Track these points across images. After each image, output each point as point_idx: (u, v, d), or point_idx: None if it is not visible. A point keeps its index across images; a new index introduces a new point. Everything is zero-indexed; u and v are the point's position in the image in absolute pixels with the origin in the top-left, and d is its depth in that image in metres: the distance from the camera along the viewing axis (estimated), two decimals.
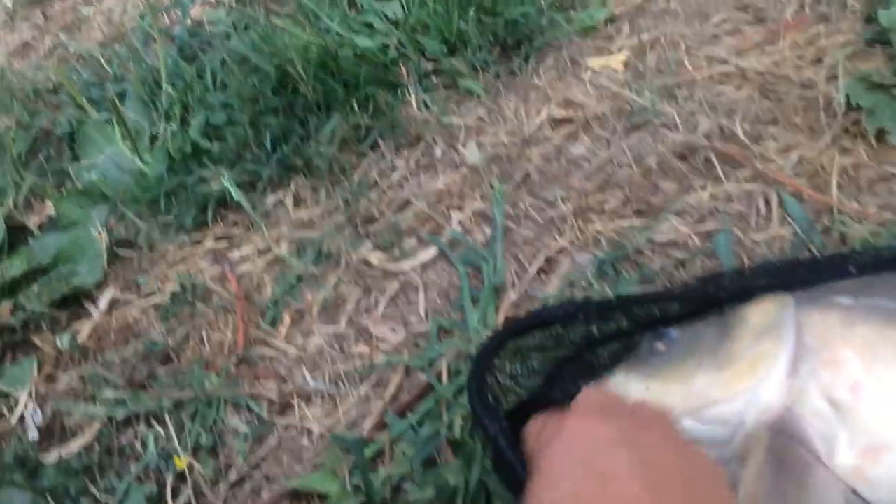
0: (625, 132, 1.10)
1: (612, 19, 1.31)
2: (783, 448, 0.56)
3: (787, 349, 0.59)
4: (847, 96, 1.02)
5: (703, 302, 0.69)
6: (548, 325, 0.71)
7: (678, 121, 1.08)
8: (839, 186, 0.96)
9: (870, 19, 1.14)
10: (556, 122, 1.15)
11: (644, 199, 1.00)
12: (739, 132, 1.04)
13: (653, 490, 0.45)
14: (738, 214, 0.96)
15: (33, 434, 0.90)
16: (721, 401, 0.59)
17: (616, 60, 1.22)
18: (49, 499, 0.83)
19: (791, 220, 0.94)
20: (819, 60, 1.12)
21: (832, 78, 1.07)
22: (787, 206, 0.95)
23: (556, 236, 1.00)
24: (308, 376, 0.92)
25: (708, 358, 0.62)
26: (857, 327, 0.60)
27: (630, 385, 0.63)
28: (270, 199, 1.15)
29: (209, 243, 1.11)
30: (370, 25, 1.34)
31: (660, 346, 0.65)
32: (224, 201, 1.15)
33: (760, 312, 0.63)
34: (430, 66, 1.28)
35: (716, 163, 1.02)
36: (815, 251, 0.90)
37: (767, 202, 0.97)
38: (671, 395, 0.61)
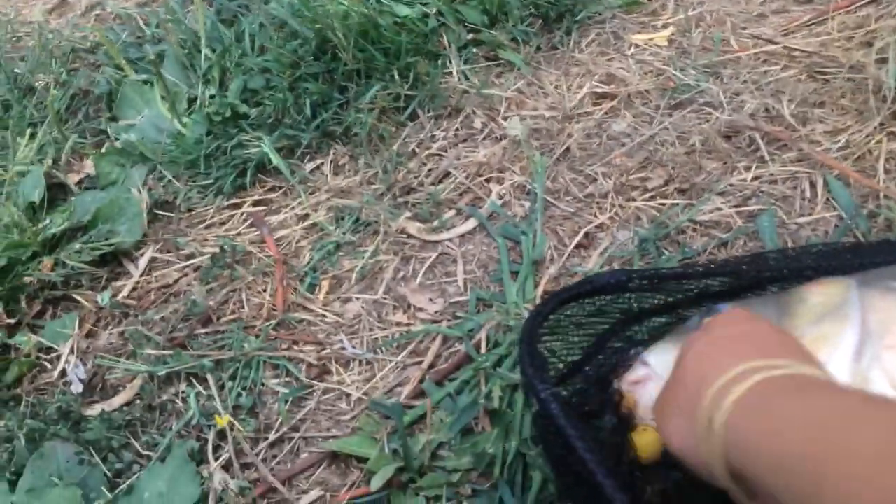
0: (668, 110, 1.09)
1: None
2: None
3: (853, 332, 0.58)
4: None
5: (752, 279, 0.69)
6: (597, 294, 0.70)
7: (723, 100, 1.07)
8: (886, 171, 0.95)
9: None
10: (598, 98, 1.14)
11: (687, 178, 1.00)
12: (786, 113, 1.03)
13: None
14: (783, 196, 0.96)
15: (77, 387, 0.92)
16: None
17: (660, 37, 1.21)
18: (92, 451, 0.84)
19: (836, 204, 0.93)
20: (869, 43, 1.10)
21: (882, 61, 1.05)
22: (832, 189, 0.94)
23: (597, 212, 1.00)
24: (346, 342, 0.93)
25: None
26: None
27: (665, 351, 0.64)
28: (309, 165, 1.15)
29: (248, 207, 1.12)
30: None
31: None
32: (263, 166, 1.15)
33: (821, 293, 0.62)
34: (470, 37, 1.27)
35: (761, 144, 1.01)
36: (860, 236, 0.89)
37: (813, 185, 0.96)
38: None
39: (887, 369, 0.56)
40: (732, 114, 1.05)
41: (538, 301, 0.91)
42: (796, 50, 1.12)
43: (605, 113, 1.12)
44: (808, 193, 0.95)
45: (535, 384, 0.60)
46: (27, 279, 1.04)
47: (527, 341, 0.64)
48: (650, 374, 0.65)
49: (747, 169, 0.99)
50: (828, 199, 0.94)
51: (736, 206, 0.95)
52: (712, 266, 0.70)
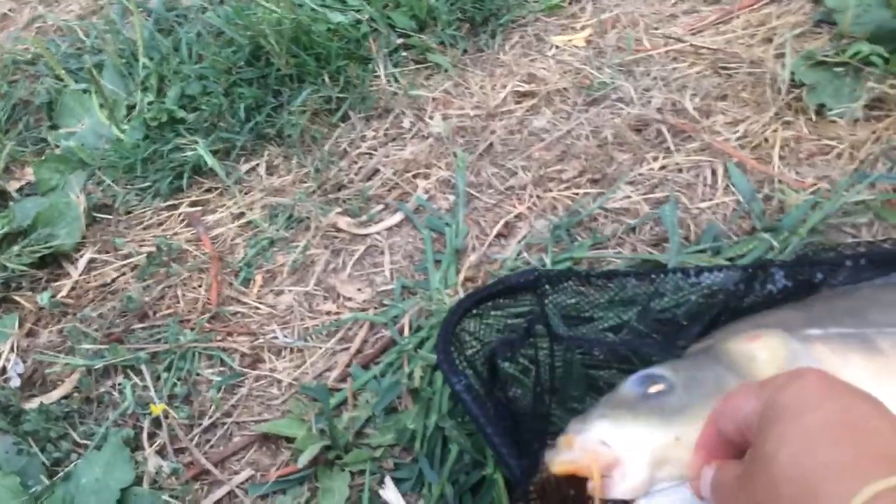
0: (584, 106, 1.16)
1: None
2: None
3: None
4: (792, 73, 1.08)
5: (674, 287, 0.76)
6: (510, 293, 0.76)
7: (634, 96, 1.14)
8: (781, 158, 1.02)
9: (818, 1, 1.20)
10: (520, 96, 1.20)
11: (599, 169, 1.06)
12: (689, 107, 1.10)
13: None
14: (687, 184, 1.02)
15: (15, 382, 0.95)
16: None
17: (579, 38, 1.27)
18: (31, 442, 0.88)
19: (735, 190, 1.00)
20: (769, 40, 1.18)
21: (780, 56, 1.13)
22: (732, 176, 1.01)
23: (516, 203, 1.05)
24: (278, 331, 0.97)
25: None
26: (850, 357, 0.59)
27: (632, 433, 0.56)
28: (244, 166, 1.20)
29: (185, 208, 1.16)
30: (343, 1, 1.38)
31: (656, 387, 0.61)
32: (199, 168, 1.19)
33: (765, 348, 0.61)
34: (400, 41, 1.32)
35: (667, 136, 1.08)
36: (755, 219, 0.96)
37: (714, 172, 1.03)
38: None
39: None
40: (642, 108, 1.12)
41: (459, 287, 0.96)
42: (703, 48, 1.20)
43: (527, 110, 1.18)
44: (709, 180, 1.02)
45: (451, 378, 0.66)
46: None
47: (442, 338, 0.70)
48: (619, 459, 0.56)
49: (655, 159, 1.06)
50: (727, 186, 1.01)
51: (644, 195, 1.02)
52: (616, 270, 0.77)
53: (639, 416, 0.57)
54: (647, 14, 1.28)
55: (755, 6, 1.26)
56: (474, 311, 0.75)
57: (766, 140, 1.04)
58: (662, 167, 1.04)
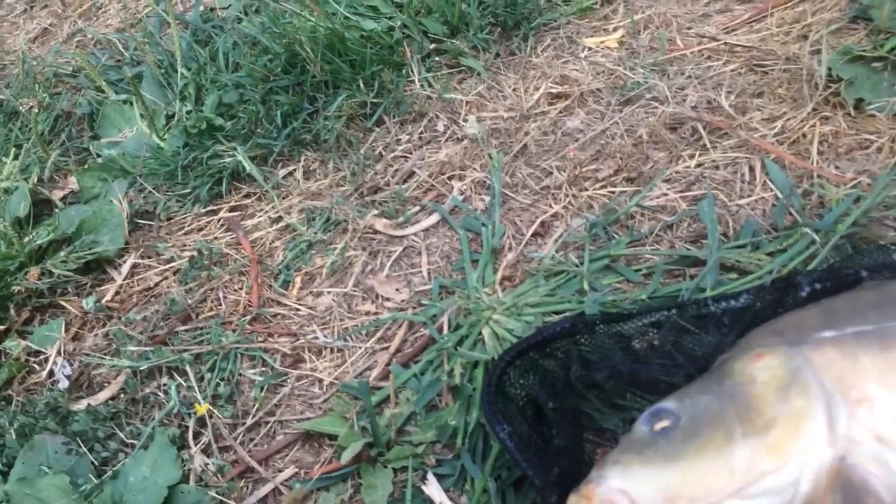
0: (618, 106, 1.16)
1: (608, 1, 1.36)
2: None
3: (820, 399, 0.57)
4: (829, 69, 1.08)
5: (697, 314, 0.76)
6: (550, 343, 0.76)
7: (668, 94, 1.14)
8: (819, 153, 1.01)
9: None
10: (553, 98, 1.21)
11: (635, 168, 1.06)
12: (725, 104, 1.10)
13: None
14: (724, 181, 1.02)
15: (63, 384, 0.97)
16: (771, 471, 0.55)
17: (611, 39, 1.28)
18: (79, 442, 0.89)
19: (773, 186, 0.99)
20: (804, 37, 1.17)
21: (816, 52, 1.12)
22: (769, 172, 1.01)
23: (552, 203, 1.06)
24: (318, 332, 0.98)
25: (737, 426, 0.58)
26: (859, 357, 0.59)
27: (643, 476, 0.58)
28: (281, 171, 1.21)
29: (224, 213, 1.18)
30: (375, 8, 1.40)
31: (661, 423, 0.62)
32: (237, 174, 1.21)
33: (765, 368, 0.61)
34: (433, 47, 1.33)
35: (703, 133, 1.07)
36: (795, 214, 0.95)
37: (751, 169, 1.02)
38: (710, 476, 0.56)
39: (868, 425, 0.55)
40: (677, 107, 1.12)
41: (497, 285, 0.97)
42: (737, 46, 1.19)
43: (560, 112, 1.18)
44: (747, 177, 1.01)
45: (495, 427, 0.69)
46: (15, 288, 1.09)
47: (486, 389, 0.72)
48: None
49: (691, 157, 1.05)
50: (765, 182, 1.00)
51: (680, 192, 1.02)
52: (654, 305, 0.78)
53: (647, 459, 0.59)
54: (679, 14, 1.28)
55: (789, 4, 1.25)
56: (516, 363, 0.76)
57: (804, 136, 1.03)
58: (699, 164, 1.04)
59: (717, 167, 1.03)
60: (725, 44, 1.20)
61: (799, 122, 1.05)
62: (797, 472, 0.55)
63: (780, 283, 0.77)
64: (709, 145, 1.06)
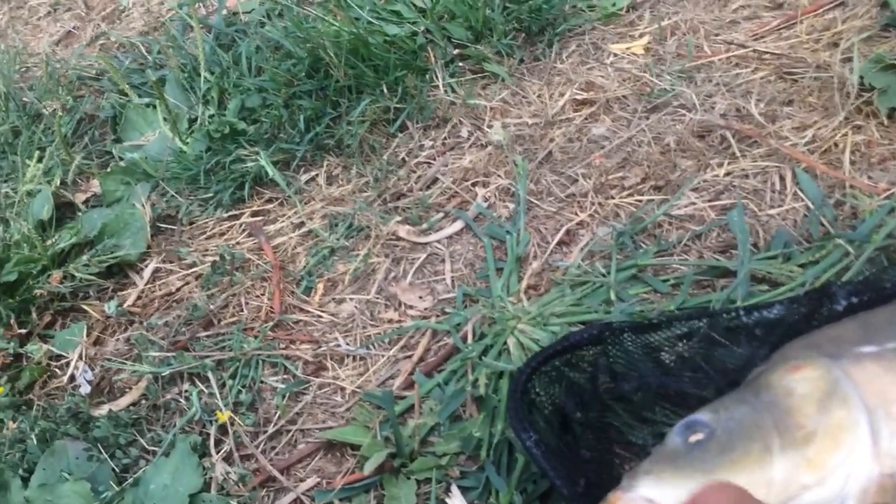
0: (644, 113, 1.14)
1: (633, 6, 1.34)
2: None
3: (862, 412, 0.56)
4: (861, 77, 1.06)
5: (729, 326, 0.75)
6: (576, 349, 0.75)
7: (696, 102, 1.12)
8: (851, 163, 0.99)
9: (885, 5, 1.17)
10: (578, 104, 1.20)
11: (662, 176, 1.04)
12: (755, 112, 1.08)
13: None
14: (754, 190, 1.00)
15: (85, 389, 0.97)
16: (812, 485, 0.54)
17: (637, 45, 1.26)
18: (100, 448, 0.89)
19: (804, 196, 0.97)
20: (835, 44, 1.15)
21: (847, 60, 1.10)
22: (800, 181, 0.99)
23: (577, 211, 1.04)
24: (341, 339, 0.97)
25: (775, 439, 0.57)
26: None
27: (676, 487, 0.57)
28: (304, 176, 1.21)
29: (246, 218, 1.17)
30: (398, 13, 1.39)
31: (696, 436, 0.61)
32: (260, 179, 1.21)
33: (803, 379, 0.60)
34: (456, 52, 1.32)
35: (732, 141, 1.06)
36: (827, 224, 0.93)
37: (782, 178, 1.00)
38: (749, 489, 0.55)
39: None
40: (705, 114, 1.10)
41: (522, 294, 0.95)
42: (766, 53, 1.17)
43: (585, 118, 1.17)
44: (777, 186, 1.00)
45: (521, 435, 0.68)
46: (38, 292, 1.09)
47: (512, 396, 0.71)
48: None
49: (719, 165, 1.04)
50: (796, 192, 0.98)
51: (709, 201, 1.00)
52: (684, 313, 0.77)
53: (680, 470, 0.58)
54: (707, 21, 1.27)
55: (819, 11, 1.23)
56: (542, 369, 0.75)
57: (836, 145, 1.02)
58: (728, 173, 1.02)
59: (746, 176, 1.02)
60: (754, 51, 1.18)
61: (830, 131, 1.03)
62: (841, 486, 0.53)
63: (813, 295, 0.76)
64: (738, 154, 1.04)
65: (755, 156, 1.04)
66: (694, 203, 1.00)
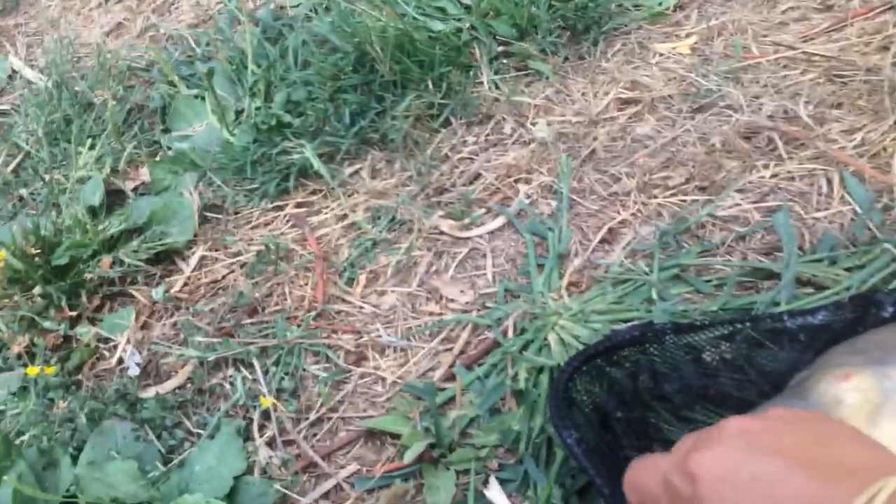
0: (690, 113, 1.14)
1: (680, 6, 1.34)
2: None
3: None
4: None
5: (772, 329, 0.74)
6: (615, 351, 0.75)
7: (743, 103, 1.12)
8: None
9: None
10: (623, 103, 1.20)
11: (707, 177, 1.04)
12: (803, 114, 1.07)
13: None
14: (800, 193, 0.99)
15: (133, 371, 0.99)
16: None
17: (684, 45, 1.26)
18: (147, 429, 0.91)
19: (851, 199, 0.97)
20: (885, 47, 1.14)
21: None
22: (848, 185, 0.98)
23: (620, 209, 1.04)
24: (382, 330, 0.99)
25: None
26: None
27: None
28: (348, 169, 1.22)
29: (290, 209, 1.19)
30: (443, 10, 1.40)
31: None
32: (305, 171, 1.23)
33: (854, 389, 0.59)
34: (501, 49, 1.33)
35: (779, 143, 1.05)
36: (874, 229, 0.92)
37: (829, 181, 0.99)
38: None
39: None
40: (752, 115, 1.09)
41: (563, 290, 0.96)
42: (815, 55, 1.16)
43: (630, 117, 1.17)
44: (824, 189, 0.99)
45: (562, 433, 0.69)
46: (88, 276, 1.12)
47: (553, 394, 0.72)
48: None
49: (765, 167, 1.03)
50: (843, 195, 0.97)
51: (754, 202, 1.00)
52: (724, 318, 0.76)
53: None
54: (755, 21, 1.26)
55: (870, 14, 1.21)
56: (584, 369, 0.75)
57: (885, 149, 1.00)
58: (774, 175, 1.02)
59: (792, 178, 1.01)
60: (803, 53, 1.17)
61: (880, 134, 1.02)
62: None
63: (859, 301, 0.75)
64: (784, 156, 1.03)
65: (802, 158, 1.03)
66: (739, 204, 1.00)
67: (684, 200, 1.02)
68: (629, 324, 0.89)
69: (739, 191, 1.01)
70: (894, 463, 0.41)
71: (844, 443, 0.45)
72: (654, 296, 0.92)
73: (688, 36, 1.28)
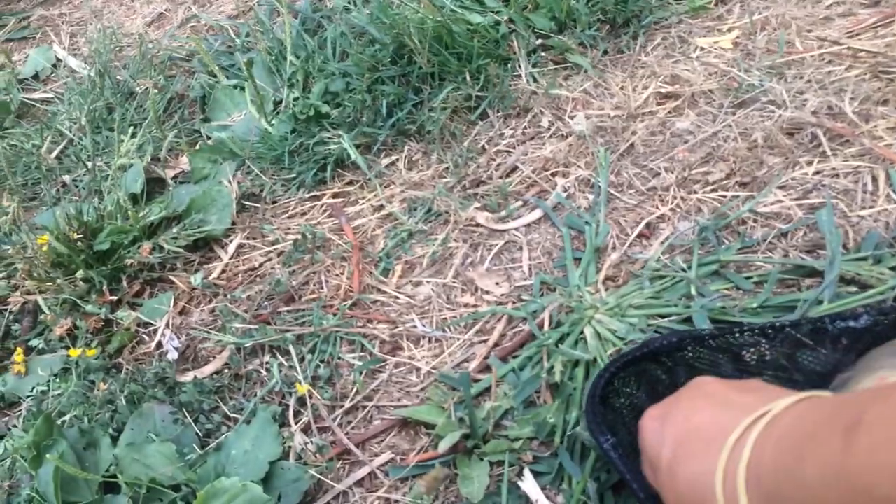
0: (731, 108, 1.13)
1: (722, 0, 1.32)
2: None
3: None
4: None
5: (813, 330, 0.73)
6: (656, 356, 0.75)
7: (786, 98, 1.10)
8: None
9: None
10: (662, 98, 1.18)
11: (748, 173, 1.03)
12: (848, 110, 1.05)
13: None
14: (844, 190, 0.98)
15: (172, 355, 1.00)
16: None
17: (725, 40, 1.24)
18: (185, 413, 0.92)
19: None
20: None
21: None
22: (894, 182, 0.96)
23: (659, 204, 1.03)
24: (417, 321, 0.99)
25: None
26: None
27: None
28: (385, 160, 1.23)
29: (327, 199, 1.20)
30: (482, 2, 1.40)
31: None
32: (342, 161, 1.23)
33: None
34: (539, 42, 1.32)
35: (823, 139, 1.03)
36: None
37: (874, 179, 0.98)
38: None
39: None
40: (795, 111, 1.08)
41: (599, 285, 0.95)
42: (861, 51, 1.14)
43: (669, 112, 1.16)
44: (869, 187, 0.97)
45: (598, 437, 0.69)
46: (128, 261, 1.13)
47: (590, 399, 0.72)
48: None
49: (809, 163, 1.01)
50: (889, 193, 0.96)
51: (797, 199, 0.98)
52: (765, 323, 0.76)
53: None
54: (799, 16, 1.24)
55: None
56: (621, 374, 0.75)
57: None
58: (817, 172, 1.00)
59: (836, 175, 0.99)
60: (849, 48, 1.15)
61: None
62: None
63: None
64: (829, 152, 1.02)
65: (847, 155, 1.01)
66: (781, 201, 0.98)
67: (724, 196, 1.01)
68: (666, 320, 0.89)
69: (781, 187, 1.00)
70: (787, 396, 0.54)
71: (758, 389, 0.60)
72: (693, 291, 0.91)
73: (730, 30, 1.26)
